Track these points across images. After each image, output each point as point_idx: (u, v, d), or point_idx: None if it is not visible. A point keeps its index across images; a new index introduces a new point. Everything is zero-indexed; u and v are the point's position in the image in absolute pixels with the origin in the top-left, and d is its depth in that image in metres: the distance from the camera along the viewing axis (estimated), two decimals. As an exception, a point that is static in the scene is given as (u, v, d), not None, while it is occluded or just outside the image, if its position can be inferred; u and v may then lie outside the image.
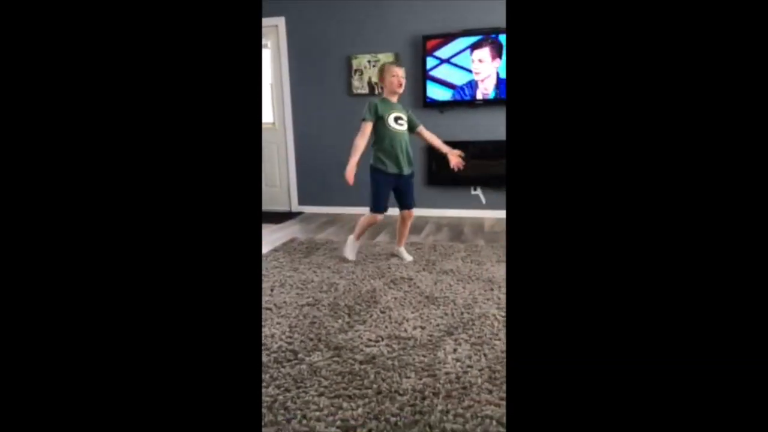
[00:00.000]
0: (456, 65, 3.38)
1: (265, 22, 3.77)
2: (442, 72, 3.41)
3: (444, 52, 3.38)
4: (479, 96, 3.37)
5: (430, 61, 3.40)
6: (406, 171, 2.35)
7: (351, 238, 2.56)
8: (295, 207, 4.03)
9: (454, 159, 2.34)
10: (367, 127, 2.27)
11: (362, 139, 2.27)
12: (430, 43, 3.39)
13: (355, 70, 3.63)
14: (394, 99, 2.34)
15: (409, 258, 2.51)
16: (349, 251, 2.54)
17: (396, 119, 2.31)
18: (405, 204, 2.42)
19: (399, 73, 2.28)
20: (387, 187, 2.34)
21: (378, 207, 2.35)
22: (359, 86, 3.64)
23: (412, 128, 2.38)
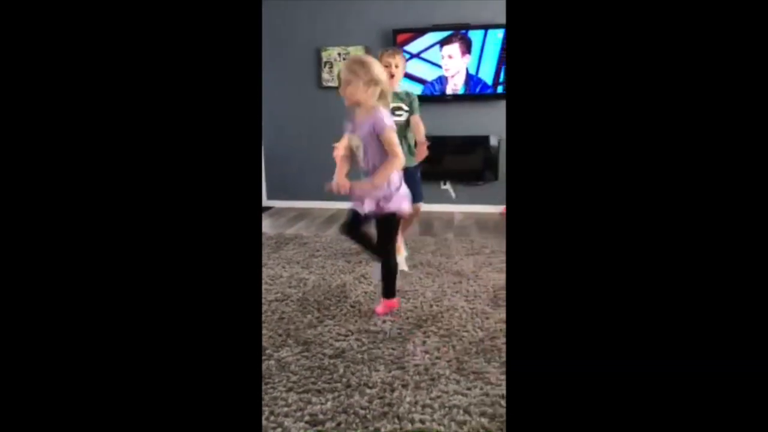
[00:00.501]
0: (426, 60, 3.39)
1: (232, 11, 3.66)
2: (412, 67, 3.41)
3: (414, 47, 3.38)
4: (449, 91, 3.40)
5: (401, 56, 3.40)
6: (410, 163, 2.18)
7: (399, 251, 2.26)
8: (264, 201, 3.96)
9: (421, 150, 2.22)
10: None
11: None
12: (401, 37, 3.38)
13: (325, 63, 3.59)
14: (395, 89, 2.13)
15: (405, 253, 2.36)
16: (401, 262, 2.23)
17: (393, 110, 2.15)
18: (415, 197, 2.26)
19: (391, 63, 2.10)
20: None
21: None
22: (329, 79, 3.60)
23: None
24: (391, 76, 2.08)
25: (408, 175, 2.26)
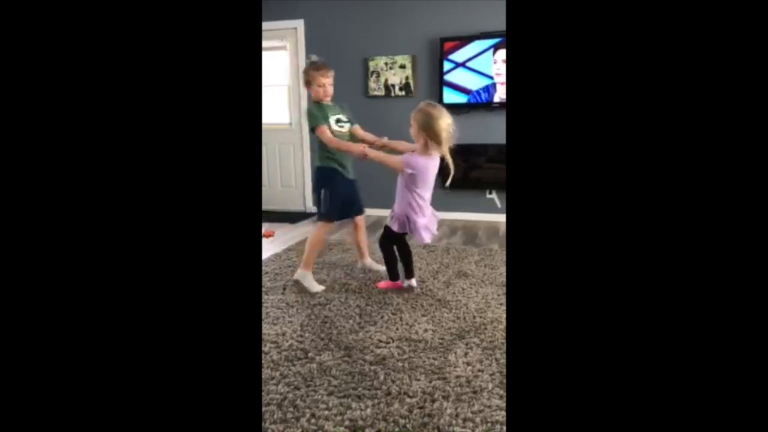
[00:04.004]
0: (471, 69, 3.36)
1: (284, 24, 3.81)
2: (457, 76, 3.39)
3: (459, 56, 3.36)
4: (496, 99, 3.34)
5: (446, 65, 3.39)
6: (353, 175, 2.22)
7: (302, 272, 2.18)
8: (310, 207, 4.05)
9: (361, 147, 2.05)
10: (326, 130, 2.05)
11: (332, 137, 2.05)
12: (447, 45, 3.37)
13: (372, 72, 3.64)
14: (328, 101, 2.14)
15: (380, 267, 2.29)
16: (309, 284, 2.15)
17: (337, 121, 2.15)
18: (358, 209, 2.29)
19: (326, 83, 2.07)
20: (344, 190, 2.16)
21: (333, 214, 2.16)
22: (376, 88, 3.65)
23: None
24: (326, 95, 2.12)
25: (354, 186, 2.22)
